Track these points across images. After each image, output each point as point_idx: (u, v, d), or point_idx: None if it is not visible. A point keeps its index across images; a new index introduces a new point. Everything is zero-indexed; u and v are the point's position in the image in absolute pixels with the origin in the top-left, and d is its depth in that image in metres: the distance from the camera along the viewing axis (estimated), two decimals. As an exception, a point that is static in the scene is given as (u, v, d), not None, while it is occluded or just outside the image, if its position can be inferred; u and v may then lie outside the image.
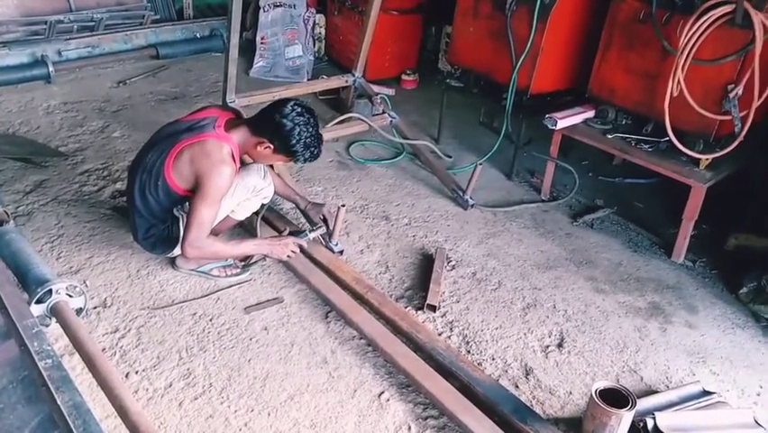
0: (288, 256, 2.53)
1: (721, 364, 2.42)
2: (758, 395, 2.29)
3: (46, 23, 4.44)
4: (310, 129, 2.34)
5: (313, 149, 2.38)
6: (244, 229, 2.88)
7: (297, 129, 2.30)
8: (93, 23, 4.70)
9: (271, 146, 2.33)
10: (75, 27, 4.63)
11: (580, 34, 3.42)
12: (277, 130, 2.30)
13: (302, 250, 2.64)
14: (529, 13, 3.28)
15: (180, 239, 2.34)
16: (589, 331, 2.54)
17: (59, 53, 4.47)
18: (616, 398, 1.96)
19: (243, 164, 2.48)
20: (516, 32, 3.39)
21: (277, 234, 2.74)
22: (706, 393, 2.21)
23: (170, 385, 2.09)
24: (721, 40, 2.70)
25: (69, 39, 4.55)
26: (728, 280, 2.90)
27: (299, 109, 2.32)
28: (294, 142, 2.31)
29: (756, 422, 2.10)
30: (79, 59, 4.58)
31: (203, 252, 2.36)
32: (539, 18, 3.25)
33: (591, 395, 1.96)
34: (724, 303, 2.78)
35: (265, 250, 2.52)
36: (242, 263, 2.67)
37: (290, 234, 2.66)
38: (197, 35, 5.15)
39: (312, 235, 2.66)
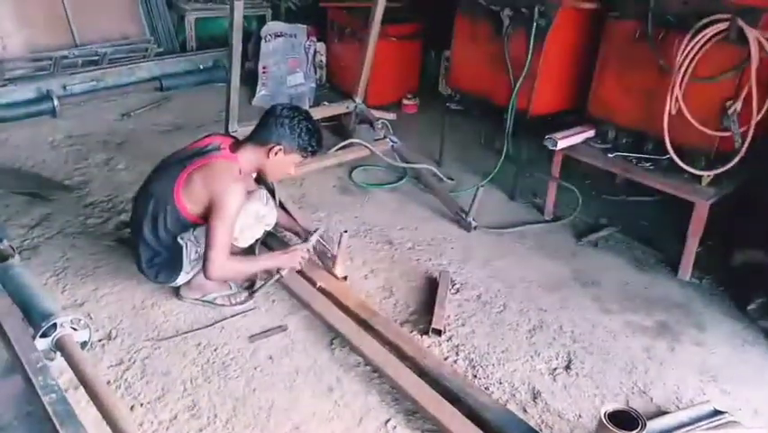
0: (299, 263, 2.60)
1: (732, 383, 2.39)
2: (771, 414, 2.26)
3: (51, 58, 4.52)
4: (306, 117, 2.47)
5: (316, 135, 2.49)
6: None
7: (296, 120, 2.43)
8: (97, 58, 4.78)
9: (281, 147, 2.42)
10: (80, 62, 4.71)
11: (578, 55, 3.45)
12: (279, 130, 2.41)
13: (306, 276, 2.67)
14: (526, 36, 3.32)
15: (203, 264, 2.36)
16: (597, 352, 2.51)
17: (64, 88, 4.53)
18: (625, 420, 1.93)
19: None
20: (513, 55, 3.42)
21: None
22: (717, 413, 2.17)
23: (175, 417, 2.07)
24: (717, 57, 2.71)
25: (74, 73, 4.62)
26: (736, 297, 2.87)
27: (288, 106, 2.49)
28: (297, 133, 2.43)
29: (771, 442, 2.06)
30: (84, 92, 4.63)
31: (225, 271, 2.42)
32: (536, 40, 3.29)
33: (600, 418, 1.93)
34: (733, 320, 2.75)
35: (278, 262, 2.60)
36: (249, 291, 2.68)
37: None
38: (200, 67, 5.21)
39: (315, 236, 2.68)
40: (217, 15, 5.40)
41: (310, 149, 2.48)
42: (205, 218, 2.41)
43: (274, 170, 2.52)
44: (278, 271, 2.63)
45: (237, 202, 2.32)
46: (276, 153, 2.42)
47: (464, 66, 3.78)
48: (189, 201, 2.38)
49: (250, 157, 2.44)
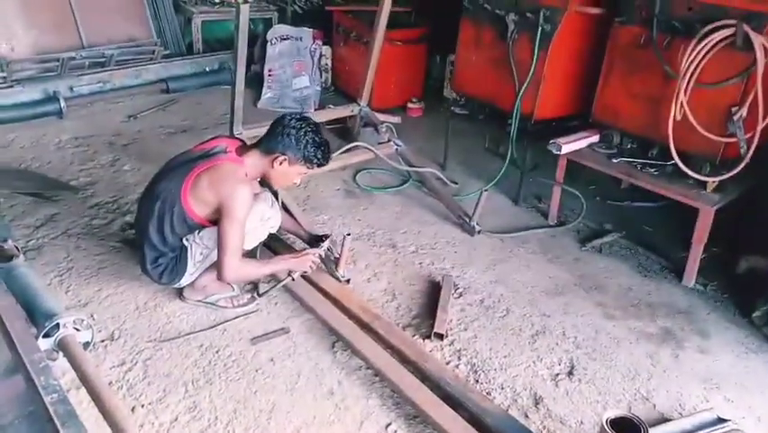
0: (310, 267, 2.61)
1: (736, 390, 2.38)
2: (775, 422, 2.24)
3: (58, 60, 4.54)
4: (314, 129, 2.46)
5: (323, 148, 2.48)
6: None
7: (302, 132, 2.42)
8: (104, 59, 4.80)
9: (286, 157, 2.42)
10: (87, 63, 4.72)
11: (582, 60, 3.45)
12: (285, 140, 2.41)
13: (309, 280, 2.68)
14: (530, 41, 3.32)
15: (218, 268, 2.38)
16: (600, 358, 2.50)
17: (71, 89, 4.55)
18: (627, 427, 1.92)
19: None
20: (518, 59, 3.42)
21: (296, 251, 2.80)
22: (720, 421, 2.17)
23: (176, 419, 2.08)
24: (723, 63, 2.70)
25: (81, 75, 4.64)
26: (741, 304, 2.85)
27: (297, 116, 2.48)
28: (303, 145, 2.42)
29: (774, 450, 2.05)
30: (91, 94, 4.65)
31: (238, 274, 2.43)
32: (540, 45, 3.29)
33: (602, 425, 1.92)
34: (737, 327, 2.73)
35: (290, 265, 2.61)
36: (256, 293, 2.70)
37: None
38: (207, 69, 5.23)
39: (327, 243, 2.71)
40: (224, 18, 5.41)
41: (315, 161, 2.47)
42: (212, 220, 2.42)
43: (278, 179, 2.53)
44: (289, 273, 2.64)
45: (246, 205, 2.34)
46: (281, 163, 2.43)
47: (469, 70, 3.78)
48: (196, 203, 2.39)
49: (255, 163, 2.45)
